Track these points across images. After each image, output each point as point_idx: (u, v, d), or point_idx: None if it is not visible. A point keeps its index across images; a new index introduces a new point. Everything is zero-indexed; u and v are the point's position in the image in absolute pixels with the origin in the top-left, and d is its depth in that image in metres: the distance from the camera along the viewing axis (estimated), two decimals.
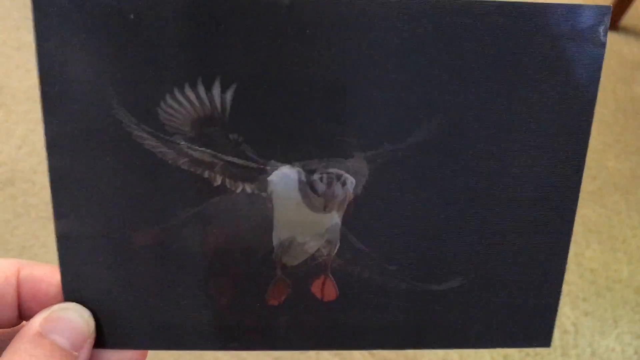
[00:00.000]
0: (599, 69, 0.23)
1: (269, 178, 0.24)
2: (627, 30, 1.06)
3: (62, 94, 0.23)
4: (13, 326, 0.26)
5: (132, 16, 0.22)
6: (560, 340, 0.70)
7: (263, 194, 0.24)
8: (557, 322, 0.71)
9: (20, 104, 0.90)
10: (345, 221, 0.25)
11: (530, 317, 0.26)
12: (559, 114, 0.24)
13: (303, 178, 0.24)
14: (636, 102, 0.97)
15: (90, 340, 0.24)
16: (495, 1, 0.23)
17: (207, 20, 0.22)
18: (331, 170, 0.24)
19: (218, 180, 0.24)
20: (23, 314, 0.25)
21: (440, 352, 0.66)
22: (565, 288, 0.79)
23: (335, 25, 0.23)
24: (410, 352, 0.66)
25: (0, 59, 0.96)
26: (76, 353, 0.24)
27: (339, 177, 0.24)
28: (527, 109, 0.24)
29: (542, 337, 0.26)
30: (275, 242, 0.25)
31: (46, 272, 0.25)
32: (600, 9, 0.23)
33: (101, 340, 0.25)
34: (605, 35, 0.23)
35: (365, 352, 0.65)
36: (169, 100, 0.23)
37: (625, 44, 1.04)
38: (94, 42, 0.22)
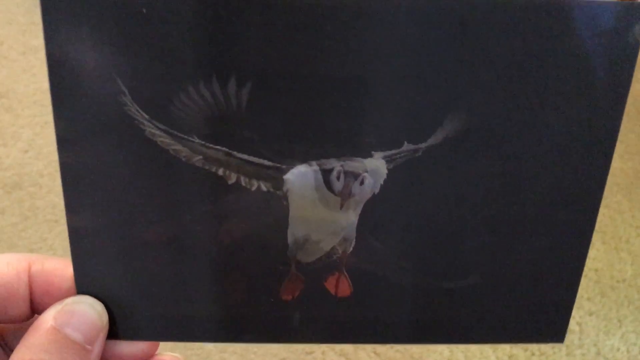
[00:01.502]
0: (631, 69, 0.22)
1: (285, 177, 0.23)
2: None
3: (73, 88, 0.22)
4: (25, 320, 0.26)
5: (144, 10, 0.21)
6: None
7: (279, 192, 0.24)
8: None
9: (26, 108, 0.90)
10: (361, 219, 0.24)
11: (545, 313, 0.25)
12: (586, 116, 0.23)
13: (320, 177, 0.23)
14: (639, 102, 0.97)
15: (104, 333, 0.25)
16: None
17: (222, 14, 0.21)
18: (348, 169, 0.23)
19: (233, 178, 0.24)
20: (35, 309, 0.25)
21: (445, 352, 0.67)
22: None
23: (356, 20, 0.21)
24: (416, 353, 0.66)
25: (6, 63, 0.97)
26: (90, 347, 0.24)
27: (356, 176, 0.23)
28: (553, 110, 0.23)
29: (555, 332, 0.26)
30: (290, 239, 0.24)
31: (57, 266, 0.25)
32: (634, 6, 0.21)
33: (114, 332, 0.25)
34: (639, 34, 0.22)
35: (370, 352, 0.65)
36: (183, 98, 0.22)
37: None
38: (105, 36, 0.22)
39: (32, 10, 1.04)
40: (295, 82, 0.22)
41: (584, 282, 0.76)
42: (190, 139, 0.23)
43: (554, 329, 0.26)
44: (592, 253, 0.78)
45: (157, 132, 0.23)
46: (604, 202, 0.86)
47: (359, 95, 0.22)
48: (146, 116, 0.23)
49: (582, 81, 0.22)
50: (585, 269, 0.85)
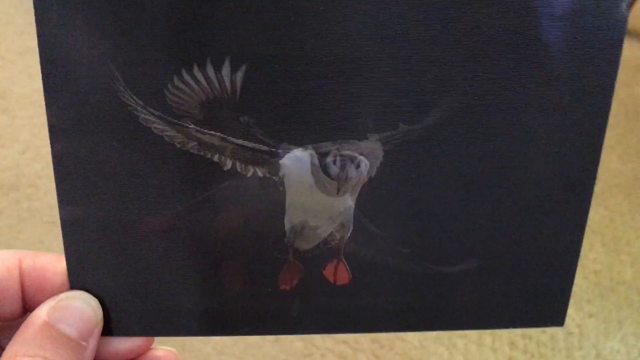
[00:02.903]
0: (620, 44, 0.22)
1: (281, 161, 0.23)
2: (628, 32, 1.06)
3: (65, 76, 0.22)
4: (17, 318, 0.25)
5: None
6: (565, 341, 0.70)
7: (275, 177, 0.23)
8: None
9: (24, 109, 0.90)
10: (358, 204, 0.24)
11: (544, 297, 0.25)
12: (576, 92, 0.23)
13: (316, 161, 0.23)
14: (638, 103, 0.97)
15: (99, 329, 0.24)
16: None
17: None
18: (345, 152, 0.23)
19: (228, 164, 0.23)
20: (27, 306, 0.25)
21: (445, 354, 0.66)
22: None
23: (351, 2, 0.21)
24: (415, 355, 0.66)
25: (3, 64, 0.96)
26: (84, 343, 0.23)
27: (352, 159, 0.23)
28: (544, 88, 0.23)
29: (554, 316, 0.26)
30: (287, 226, 0.24)
31: (49, 261, 0.25)
32: None
33: (107, 328, 0.25)
34: (628, 8, 0.22)
35: (370, 355, 0.65)
36: (177, 82, 0.22)
37: (626, 46, 1.04)
38: (98, 21, 0.21)
39: (30, 11, 1.03)
40: (290, 64, 0.22)
41: (583, 284, 0.76)
42: (185, 124, 0.23)
43: (553, 312, 0.26)
44: (591, 255, 0.78)
45: (151, 118, 0.23)
46: (603, 204, 0.86)
47: (353, 76, 0.22)
48: (140, 102, 0.22)
49: (572, 58, 0.22)
50: (585, 270, 0.84)
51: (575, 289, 0.76)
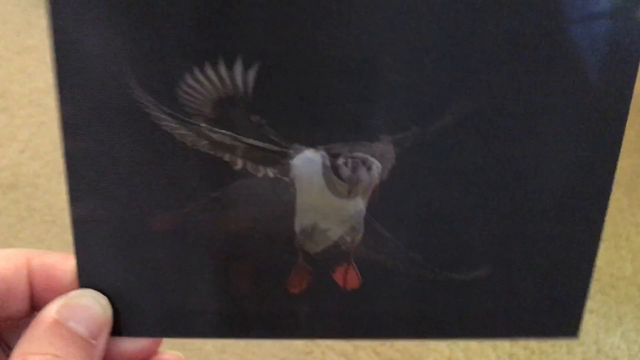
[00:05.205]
0: (637, 51, 0.22)
1: (292, 162, 0.23)
2: None
3: (78, 72, 0.22)
4: (24, 317, 0.25)
5: None
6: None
7: (285, 178, 0.23)
8: None
9: (22, 108, 0.90)
10: (369, 207, 0.23)
11: (557, 306, 0.25)
12: (595, 99, 0.22)
13: (327, 162, 0.23)
14: (638, 99, 0.97)
15: (108, 328, 0.24)
16: None
17: None
18: (356, 154, 0.23)
19: (239, 164, 0.23)
20: (36, 305, 0.25)
21: (445, 352, 0.66)
22: None
23: (365, 2, 0.21)
24: (416, 352, 0.66)
25: (2, 64, 0.96)
26: (94, 341, 0.23)
27: (364, 161, 0.23)
28: (562, 93, 0.22)
29: (568, 327, 0.25)
30: (297, 228, 0.24)
31: (58, 260, 0.25)
32: None
33: (116, 328, 0.24)
34: None
35: (371, 352, 0.65)
36: (189, 80, 0.22)
37: None
38: (111, 18, 0.21)
39: (28, 10, 1.03)
40: (303, 64, 0.22)
41: None
42: (196, 123, 0.22)
43: (567, 324, 0.25)
44: None
45: (163, 116, 0.22)
46: None
47: (366, 77, 0.22)
48: (152, 99, 0.22)
49: (591, 63, 0.22)
50: None
51: None
